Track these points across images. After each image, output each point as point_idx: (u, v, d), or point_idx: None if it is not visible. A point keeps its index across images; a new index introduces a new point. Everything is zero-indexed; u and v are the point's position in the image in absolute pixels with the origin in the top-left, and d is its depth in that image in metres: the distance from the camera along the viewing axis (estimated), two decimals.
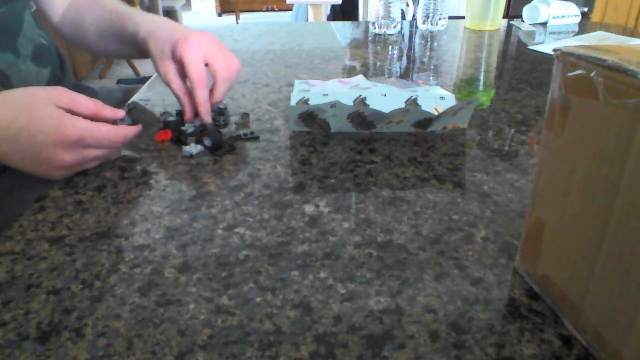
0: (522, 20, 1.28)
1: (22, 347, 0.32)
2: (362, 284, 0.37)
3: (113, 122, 0.53)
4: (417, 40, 1.16)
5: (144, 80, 0.87)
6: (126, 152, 0.59)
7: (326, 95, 0.66)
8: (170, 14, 4.04)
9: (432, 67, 0.94)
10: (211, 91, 0.61)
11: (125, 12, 0.69)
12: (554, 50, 0.31)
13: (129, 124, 0.56)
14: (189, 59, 0.57)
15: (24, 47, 0.64)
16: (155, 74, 0.83)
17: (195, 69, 0.58)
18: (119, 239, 0.43)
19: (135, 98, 0.77)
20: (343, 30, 1.27)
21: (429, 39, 1.15)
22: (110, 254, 0.41)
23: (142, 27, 0.63)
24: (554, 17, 1.24)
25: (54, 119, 0.47)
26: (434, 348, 0.32)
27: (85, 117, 0.49)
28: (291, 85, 0.80)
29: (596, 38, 1.12)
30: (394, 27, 1.17)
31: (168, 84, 0.60)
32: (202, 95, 0.59)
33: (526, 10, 1.27)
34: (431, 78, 0.86)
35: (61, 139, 0.47)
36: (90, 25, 0.73)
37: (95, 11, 0.73)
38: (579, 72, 0.29)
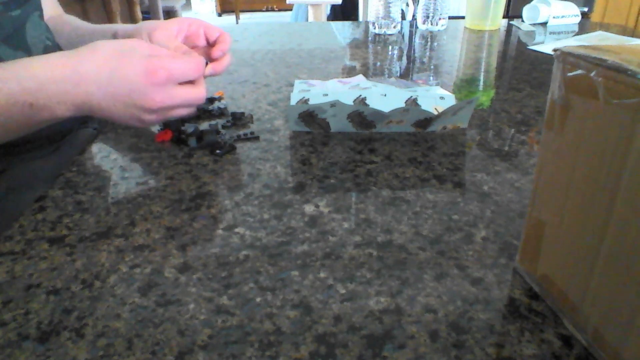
0: (522, 20, 1.28)
1: (22, 347, 0.32)
2: (362, 284, 0.37)
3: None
4: (417, 40, 1.16)
5: None
6: (126, 152, 0.59)
7: (326, 95, 0.66)
8: (170, 14, 4.04)
9: (432, 67, 0.94)
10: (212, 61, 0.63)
11: (95, 28, 0.73)
12: (554, 50, 0.31)
13: None
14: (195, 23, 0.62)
15: (36, 47, 0.64)
16: None
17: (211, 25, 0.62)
18: (119, 239, 0.43)
19: None
20: (343, 30, 1.27)
21: (429, 39, 1.15)
22: (110, 254, 0.41)
23: (119, 30, 0.67)
24: (554, 17, 1.24)
25: (143, 61, 0.48)
26: (434, 348, 0.32)
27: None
28: (291, 85, 0.80)
29: (596, 38, 1.12)
30: (394, 27, 1.17)
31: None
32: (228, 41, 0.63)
33: (526, 10, 1.27)
34: (431, 78, 0.86)
35: (151, 79, 0.48)
36: (65, 42, 0.74)
37: (65, 29, 0.75)
38: (579, 72, 0.29)
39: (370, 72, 0.90)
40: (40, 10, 0.67)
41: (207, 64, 0.60)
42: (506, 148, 0.58)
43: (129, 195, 0.50)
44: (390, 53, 1.04)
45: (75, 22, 0.77)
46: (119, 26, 0.69)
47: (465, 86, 0.82)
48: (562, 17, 1.25)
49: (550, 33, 1.19)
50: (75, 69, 0.48)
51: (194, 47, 0.64)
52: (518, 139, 0.61)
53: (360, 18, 3.07)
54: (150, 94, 0.48)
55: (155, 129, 0.64)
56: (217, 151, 0.57)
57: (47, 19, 0.70)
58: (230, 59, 0.65)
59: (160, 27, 0.62)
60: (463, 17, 1.25)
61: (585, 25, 1.29)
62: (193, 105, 0.54)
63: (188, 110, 0.54)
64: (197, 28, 0.64)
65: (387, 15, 1.15)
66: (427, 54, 1.04)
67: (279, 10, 5.91)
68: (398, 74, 0.89)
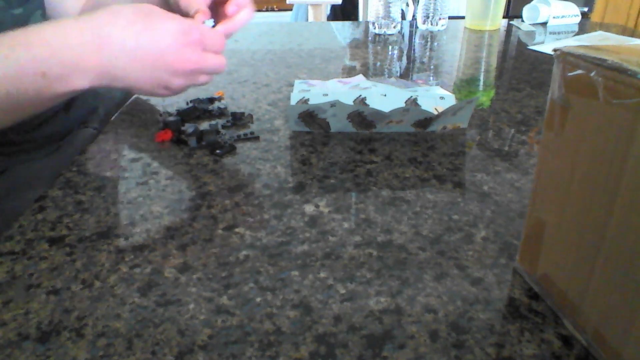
0: (522, 20, 1.28)
1: (22, 347, 0.32)
2: (362, 284, 0.37)
3: None
4: (417, 40, 1.16)
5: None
6: (126, 152, 0.59)
7: (326, 95, 0.66)
8: None
9: (432, 67, 0.94)
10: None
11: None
12: (554, 50, 0.31)
13: None
14: None
15: None
16: None
17: None
18: (119, 239, 0.43)
19: (135, 97, 0.77)
20: (343, 30, 1.27)
21: (429, 39, 1.15)
22: (110, 254, 0.41)
23: None
24: (554, 17, 1.24)
25: (172, 22, 0.46)
26: (434, 348, 0.32)
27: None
28: (291, 85, 0.80)
29: (596, 38, 1.12)
30: (394, 27, 1.17)
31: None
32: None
33: (526, 10, 1.27)
34: (431, 78, 0.86)
35: (185, 39, 0.46)
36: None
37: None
38: (579, 72, 0.29)
39: (370, 72, 0.90)
40: (43, 9, 0.67)
41: (215, 24, 0.56)
42: (506, 148, 0.58)
43: (129, 195, 0.50)
44: (390, 53, 1.04)
45: None
46: None
47: (465, 86, 0.82)
48: (562, 17, 1.25)
49: (550, 33, 1.19)
50: (96, 33, 0.44)
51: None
52: (518, 139, 0.61)
53: (360, 18, 3.06)
54: (185, 54, 0.46)
55: (156, 128, 0.64)
56: (217, 151, 0.57)
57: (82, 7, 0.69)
58: (247, 16, 0.58)
59: None
60: (463, 17, 1.25)
61: (585, 25, 1.29)
62: (216, 72, 0.52)
63: (209, 78, 0.52)
64: None
65: (387, 15, 1.15)
66: (427, 54, 1.04)
67: (279, 10, 5.91)
68: (398, 74, 0.89)
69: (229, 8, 0.55)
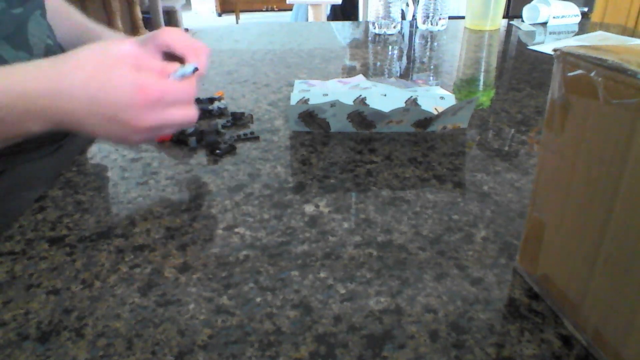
0: (522, 20, 1.28)
1: (22, 347, 0.32)
2: (362, 284, 0.37)
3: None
4: (417, 40, 1.16)
5: None
6: (126, 152, 0.59)
7: (326, 95, 0.66)
8: (170, 14, 4.04)
9: (432, 67, 0.94)
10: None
11: (94, 30, 0.73)
12: (554, 50, 0.31)
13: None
14: (174, 35, 0.57)
15: (37, 46, 0.64)
16: None
17: (188, 39, 0.57)
18: (119, 239, 0.43)
19: None
20: (343, 30, 1.27)
21: (429, 39, 1.15)
22: (110, 254, 0.41)
23: None
24: (554, 17, 1.24)
25: (133, 77, 0.44)
26: (434, 348, 0.32)
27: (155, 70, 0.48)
28: (291, 85, 0.80)
29: (596, 38, 1.12)
30: (394, 27, 1.17)
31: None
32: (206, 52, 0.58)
33: (526, 10, 1.27)
34: (431, 78, 0.86)
35: (143, 98, 0.44)
36: (63, 35, 0.74)
37: (65, 23, 0.74)
38: (579, 72, 0.29)
39: (370, 72, 0.90)
40: (43, 8, 0.67)
41: (196, 69, 0.57)
42: (506, 148, 0.58)
43: (129, 195, 0.50)
44: (390, 53, 1.04)
45: (74, 18, 0.76)
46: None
47: (465, 86, 0.82)
48: (562, 17, 1.25)
49: (550, 33, 1.19)
50: (54, 84, 0.44)
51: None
52: (518, 139, 0.61)
53: (360, 18, 3.07)
54: (141, 114, 0.45)
55: None
56: (217, 151, 0.57)
57: (50, 10, 0.70)
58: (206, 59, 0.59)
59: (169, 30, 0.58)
60: (463, 17, 1.25)
61: (585, 25, 1.29)
62: (183, 126, 0.51)
63: (179, 128, 0.51)
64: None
65: (387, 15, 1.15)
66: (427, 54, 1.04)
67: (279, 10, 5.91)
68: (398, 74, 0.89)
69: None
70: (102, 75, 0.44)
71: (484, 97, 0.76)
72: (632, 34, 1.19)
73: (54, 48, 0.70)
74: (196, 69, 0.50)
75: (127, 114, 0.44)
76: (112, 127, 0.45)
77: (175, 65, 0.50)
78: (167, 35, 0.62)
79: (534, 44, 1.07)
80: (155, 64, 0.48)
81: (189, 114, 0.49)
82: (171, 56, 0.66)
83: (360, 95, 0.65)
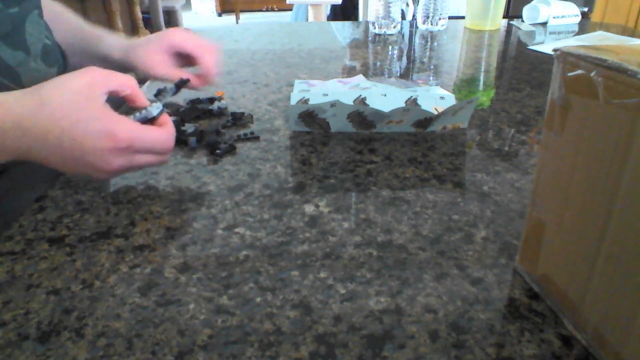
0: (522, 20, 1.28)
1: (22, 347, 0.32)
2: (362, 284, 0.37)
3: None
4: (417, 40, 1.16)
5: (142, 81, 0.87)
6: None
7: (326, 95, 0.66)
8: (170, 14, 4.04)
9: (432, 67, 0.94)
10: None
11: (93, 32, 0.73)
12: (554, 50, 0.31)
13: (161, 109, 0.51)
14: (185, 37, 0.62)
15: (34, 45, 0.64)
16: None
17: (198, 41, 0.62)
18: (119, 239, 0.43)
19: None
20: (343, 30, 1.27)
21: (429, 39, 1.15)
22: (110, 254, 0.41)
23: (114, 49, 0.69)
24: (554, 17, 1.24)
25: (101, 122, 0.43)
26: (434, 348, 0.32)
27: (125, 96, 0.47)
28: (291, 85, 0.80)
29: (596, 38, 1.12)
30: (394, 27, 1.17)
31: (168, 77, 0.63)
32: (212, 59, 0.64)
33: (526, 10, 1.27)
34: (431, 78, 0.86)
35: (110, 145, 0.43)
36: (60, 38, 0.74)
37: (61, 26, 0.75)
38: (579, 72, 0.29)
39: (370, 72, 0.90)
40: (40, 8, 0.67)
41: (188, 81, 0.59)
42: (506, 148, 0.58)
43: (129, 195, 0.50)
44: (390, 53, 1.04)
45: (69, 21, 0.76)
46: (112, 44, 0.69)
47: (465, 86, 0.82)
48: (562, 17, 1.25)
49: (550, 33, 1.19)
50: (18, 123, 0.42)
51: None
52: (518, 139, 0.61)
53: (360, 18, 3.07)
54: (108, 160, 0.44)
55: None
56: (217, 151, 0.57)
57: (46, 12, 0.70)
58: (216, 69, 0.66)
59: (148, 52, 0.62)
60: (463, 17, 1.25)
61: (585, 25, 1.29)
62: (154, 165, 0.51)
63: (147, 165, 0.50)
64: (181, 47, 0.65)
65: (387, 15, 1.15)
66: (427, 54, 1.04)
67: (279, 10, 5.91)
68: (398, 74, 0.89)
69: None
70: (68, 117, 0.43)
71: (484, 97, 0.76)
72: (632, 34, 1.19)
73: (52, 48, 0.70)
74: (162, 112, 0.49)
75: (94, 157, 0.44)
76: (78, 167, 0.45)
77: (145, 104, 0.49)
78: (175, 36, 0.64)
79: (534, 44, 1.07)
80: (122, 82, 0.47)
81: (159, 160, 0.49)
82: (181, 56, 0.67)
83: (360, 95, 0.65)
